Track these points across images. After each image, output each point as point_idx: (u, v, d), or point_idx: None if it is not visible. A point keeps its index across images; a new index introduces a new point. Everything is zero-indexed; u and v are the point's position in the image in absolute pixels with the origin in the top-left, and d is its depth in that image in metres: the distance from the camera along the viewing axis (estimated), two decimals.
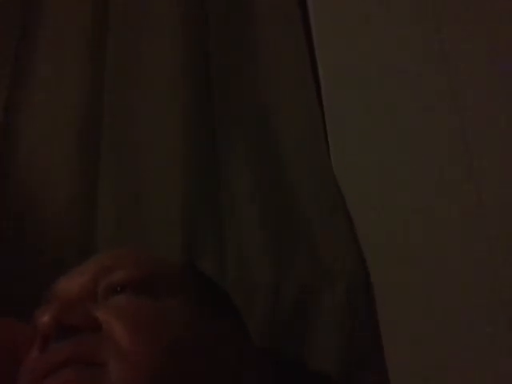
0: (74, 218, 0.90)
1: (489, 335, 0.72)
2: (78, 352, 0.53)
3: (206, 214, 0.88)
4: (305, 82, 0.93)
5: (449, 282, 0.76)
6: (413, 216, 0.80)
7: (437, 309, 0.75)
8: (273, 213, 0.86)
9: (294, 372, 0.74)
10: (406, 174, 0.82)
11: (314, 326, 0.77)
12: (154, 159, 0.92)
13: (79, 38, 1.03)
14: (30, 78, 1.01)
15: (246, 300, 0.76)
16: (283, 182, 0.88)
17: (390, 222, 0.80)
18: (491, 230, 0.76)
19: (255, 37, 0.99)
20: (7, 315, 0.68)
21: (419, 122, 0.84)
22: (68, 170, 0.94)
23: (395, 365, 0.74)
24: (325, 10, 0.96)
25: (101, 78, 1.00)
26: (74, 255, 0.84)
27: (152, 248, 0.84)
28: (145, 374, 0.52)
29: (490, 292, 0.74)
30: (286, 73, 0.95)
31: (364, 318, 0.76)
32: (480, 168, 0.79)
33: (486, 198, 0.77)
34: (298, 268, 0.81)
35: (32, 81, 1.01)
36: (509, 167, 0.77)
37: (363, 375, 0.74)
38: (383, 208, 0.81)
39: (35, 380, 0.52)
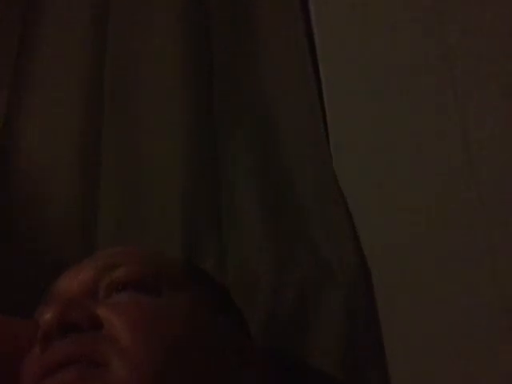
0: (74, 218, 0.90)
1: (489, 335, 0.72)
2: (79, 350, 0.53)
3: (206, 213, 0.88)
4: (306, 81, 0.93)
5: (449, 282, 0.76)
6: (413, 215, 0.80)
7: (437, 308, 0.75)
8: (273, 213, 0.86)
9: (293, 372, 0.74)
10: (406, 173, 0.82)
11: (314, 326, 0.76)
12: (154, 159, 0.93)
13: (79, 38, 1.04)
14: (30, 79, 1.02)
15: (246, 300, 0.76)
16: (283, 182, 0.88)
17: (390, 221, 0.80)
18: (491, 230, 0.76)
19: (256, 36, 0.99)
20: (7, 315, 0.68)
21: (420, 121, 0.84)
22: (68, 170, 0.94)
23: (395, 365, 0.74)
24: (326, 8, 0.97)
25: (101, 78, 1.00)
26: (74, 255, 0.83)
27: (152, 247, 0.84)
28: (145, 373, 0.52)
29: (489, 292, 0.74)
30: (287, 72, 0.95)
31: (364, 318, 0.76)
32: (480, 167, 0.79)
33: (486, 198, 0.77)
34: (298, 268, 0.81)
35: (32, 81, 1.01)
36: (509, 167, 0.77)
37: (363, 375, 0.74)
38: (383, 208, 0.81)
39: (37, 378, 0.53)
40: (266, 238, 0.84)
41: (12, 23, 1.06)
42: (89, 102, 0.99)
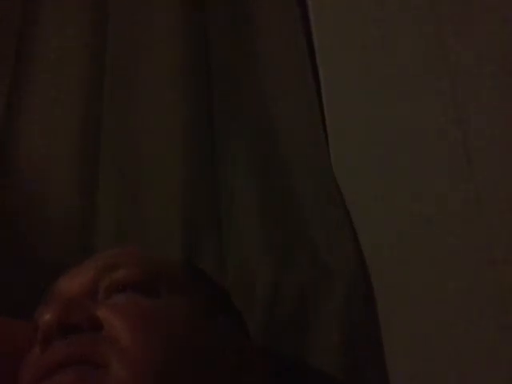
0: (74, 217, 0.90)
1: (489, 335, 0.72)
2: (79, 351, 0.53)
3: (206, 213, 0.88)
4: (305, 82, 0.93)
5: (449, 282, 0.76)
6: (413, 216, 0.80)
7: (437, 308, 0.75)
8: (273, 213, 0.86)
9: (293, 372, 0.74)
10: (405, 173, 0.82)
11: (314, 326, 0.76)
12: (154, 159, 0.93)
13: (79, 38, 1.04)
14: (30, 79, 1.02)
15: (246, 300, 0.76)
16: (283, 182, 0.88)
17: (390, 221, 0.80)
18: (491, 230, 0.76)
19: (256, 36, 0.99)
20: (7, 315, 0.68)
21: (419, 121, 0.84)
22: (68, 170, 0.94)
23: (395, 365, 0.74)
24: (324, 8, 0.97)
25: (101, 78, 1.00)
26: (74, 255, 0.84)
27: (152, 248, 0.84)
28: (145, 373, 0.52)
29: (489, 292, 0.74)
30: (287, 72, 0.95)
31: (364, 318, 0.76)
32: (480, 167, 0.79)
33: (486, 198, 0.77)
34: (297, 268, 0.81)
35: (32, 81, 1.01)
36: (509, 167, 0.77)
37: (363, 375, 0.74)
38: (383, 208, 0.81)
39: (36, 379, 0.52)
40: (265, 238, 0.84)
41: (12, 23, 1.06)
42: (89, 102, 0.99)
